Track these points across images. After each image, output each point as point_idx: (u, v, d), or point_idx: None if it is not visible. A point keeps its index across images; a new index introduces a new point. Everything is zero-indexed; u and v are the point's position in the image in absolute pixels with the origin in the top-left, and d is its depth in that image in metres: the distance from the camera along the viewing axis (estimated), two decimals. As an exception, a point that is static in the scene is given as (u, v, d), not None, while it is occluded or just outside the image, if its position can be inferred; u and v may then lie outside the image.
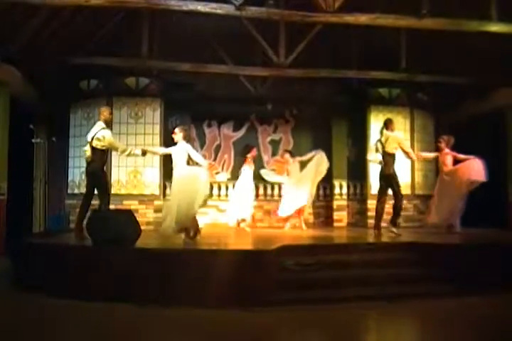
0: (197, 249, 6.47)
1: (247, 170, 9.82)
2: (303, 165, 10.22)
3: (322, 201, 11.54)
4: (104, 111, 7.27)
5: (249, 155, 9.94)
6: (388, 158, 7.81)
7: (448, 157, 8.51)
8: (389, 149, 7.79)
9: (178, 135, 7.39)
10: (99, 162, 7.03)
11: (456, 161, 8.57)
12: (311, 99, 11.03)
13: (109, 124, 7.32)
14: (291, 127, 11.89)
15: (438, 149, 8.74)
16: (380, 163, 7.92)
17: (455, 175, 8.32)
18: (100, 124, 7.11)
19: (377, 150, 7.98)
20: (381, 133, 7.99)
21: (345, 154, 11.46)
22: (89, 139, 7.01)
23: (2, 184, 8.60)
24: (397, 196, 7.85)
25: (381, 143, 7.87)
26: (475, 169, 8.10)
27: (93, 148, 6.96)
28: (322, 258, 6.18)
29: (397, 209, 7.89)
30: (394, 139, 7.83)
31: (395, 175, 7.89)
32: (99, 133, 6.96)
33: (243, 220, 9.74)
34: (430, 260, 6.24)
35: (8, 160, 8.76)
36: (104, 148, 7.02)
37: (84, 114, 10.13)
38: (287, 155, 10.36)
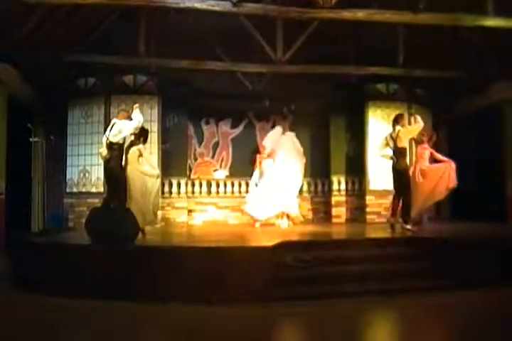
0: (196, 247, 6.47)
1: (270, 166, 9.78)
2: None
3: (320, 197, 11.56)
4: (118, 113, 7.41)
5: (263, 155, 9.91)
6: (399, 153, 7.77)
7: (426, 151, 8.47)
8: (400, 144, 7.76)
9: None
10: (117, 160, 7.07)
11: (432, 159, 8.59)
12: (309, 95, 11.01)
13: None
14: (289, 123, 11.89)
15: (419, 141, 8.68)
16: (391, 158, 7.90)
17: (433, 176, 8.32)
18: (113, 121, 7.18)
19: (387, 145, 7.96)
20: (393, 127, 7.96)
21: (343, 150, 11.45)
22: (105, 138, 7.07)
23: (0, 183, 8.60)
24: (405, 193, 7.79)
25: (392, 138, 7.86)
26: (452, 176, 8.16)
27: (110, 146, 7.00)
28: (321, 254, 6.19)
29: (405, 206, 7.78)
30: (404, 133, 7.80)
31: (407, 170, 7.88)
32: (114, 129, 7.02)
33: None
34: (429, 255, 6.25)
35: (6, 159, 8.75)
36: (122, 141, 7.06)
37: (82, 112, 10.11)
38: None
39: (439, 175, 8.24)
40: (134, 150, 7.32)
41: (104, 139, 7.15)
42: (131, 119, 7.17)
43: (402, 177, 7.80)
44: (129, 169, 7.23)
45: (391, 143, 7.87)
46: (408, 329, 4.64)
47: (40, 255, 6.18)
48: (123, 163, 7.22)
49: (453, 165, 8.22)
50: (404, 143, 7.80)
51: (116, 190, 7.13)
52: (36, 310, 5.16)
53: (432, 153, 8.48)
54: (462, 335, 4.31)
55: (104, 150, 7.07)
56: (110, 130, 7.08)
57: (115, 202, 7.05)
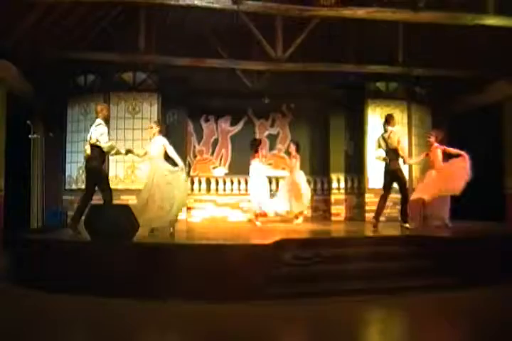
0: (195, 244, 6.48)
1: (258, 164, 9.74)
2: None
3: (320, 195, 11.57)
4: (103, 110, 7.23)
5: (260, 150, 9.85)
6: (392, 154, 7.73)
7: (438, 150, 8.41)
8: (393, 145, 7.70)
9: (154, 129, 7.44)
10: (98, 159, 7.01)
11: (444, 155, 8.50)
12: (308, 93, 11.02)
13: (107, 121, 7.29)
14: (288, 121, 11.91)
15: (428, 144, 8.63)
16: (385, 159, 7.85)
17: (447, 172, 8.25)
18: (98, 122, 7.07)
19: (379, 146, 7.93)
20: (384, 128, 7.94)
21: (342, 148, 11.46)
22: (88, 137, 7.03)
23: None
24: (403, 192, 7.77)
25: (384, 138, 7.84)
26: (467, 168, 8.06)
27: (92, 146, 6.96)
28: (320, 251, 6.19)
29: (403, 205, 7.79)
30: (395, 134, 7.79)
31: (401, 170, 7.82)
32: (94, 132, 6.96)
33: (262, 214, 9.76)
34: (429, 253, 6.26)
35: (5, 156, 8.74)
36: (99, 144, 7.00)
37: (81, 109, 10.11)
38: (294, 148, 10.20)
39: (452, 170, 8.20)
40: (154, 148, 7.30)
41: (87, 137, 7.07)
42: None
43: (395, 178, 7.77)
44: (152, 168, 7.21)
45: (383, 145, 7.84)
46: (408, 328, 4.65)
47: (39, 252, 6.18)
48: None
49: (467, 157, 8.08)
50: (396, 143, 7.75)
51: (101, 187, 7.07)
52: (36, 307, 5.17)
53: (444, 150, 8.35)
54: (463, 334, 4.32)
55: (88, 148, 7.04)
56: (91, 132, 6.99)
57: (88, 199, 7.01)
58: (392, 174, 7.78)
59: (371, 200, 10.45)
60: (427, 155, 8.50)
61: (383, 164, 7.93)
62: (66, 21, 8.42)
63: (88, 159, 7.05)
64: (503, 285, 5.68)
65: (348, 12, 7.10)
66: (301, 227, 9.19)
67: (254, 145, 9.61)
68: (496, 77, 9.83)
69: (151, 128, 7.50)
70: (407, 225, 7.65)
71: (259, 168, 9.49)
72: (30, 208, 10.51)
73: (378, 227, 7.71)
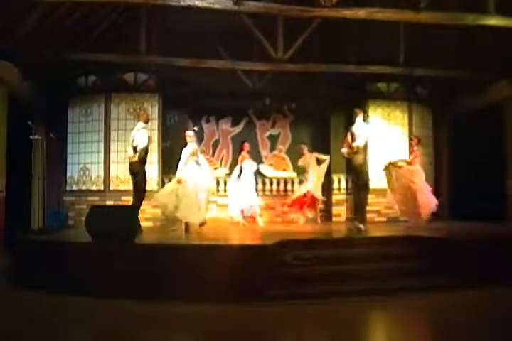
0: (196, 245, 6.48)
1: (247, 165, 9.76)
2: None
3: (321, 196, 11.55)
4: (143, 115, 7.87)
5: (243, 153, 9.87)
6: (358, 149, 7.72)
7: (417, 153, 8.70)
8: (358, 140, 7.73)
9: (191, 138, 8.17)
10: (142, 161, 7.44)
11: None
12: (309, 93, 11.01)
13: (147, 123, 7.85)
14: (289, 122, 11.90)
15: (411, 146, 8.91)
16: (349, 153, 7.84)
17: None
18: (140, 125, 7.59)
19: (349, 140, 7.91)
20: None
21: (343, 148, 11.44)
22: (130, 140, 7.55)
23: (1, 181, 8.59)
24: (363, 188, 7.75)
25: (351, 133, 7.86)
26: None
27: (135, 148, 7.39)
28: (321, 252, 6.19)
29: (361, 202, 7.76)
30: (361, 129, 7.84)
31: (363, 167, 7.83)
32: (140, 135, 7.45)
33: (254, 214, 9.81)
34: (428, 254, 6.25)
35: (6, 157, 8.75)
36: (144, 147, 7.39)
37: (82, 110, 10.12)
38: (305, 150, 10.21)
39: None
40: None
41: (131, 139, 7.57)
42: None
43: (356, 174, 7.80)
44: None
45: (350, 139, 7.84)
46: (406, 329, 4.64)
47: (40, 253, 6.17)
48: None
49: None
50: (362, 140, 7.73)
51: (135, 188, 7.54)
52: (36, 308, 5.16)
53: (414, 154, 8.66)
54: (461, 335, 4.31)
55: (130, 151, 7.50)
56: (134, 134, 7.52)
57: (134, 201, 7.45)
58: (354, 170, 7.79)
59: (372, 201, 10.40)
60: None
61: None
62: (67, 22, 8.43)
63: (130, 161, 7.49)
64: (502, 286, 5.66)
65: (349, 12, 7.08)
66: (302, 228, 9.19)
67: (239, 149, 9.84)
68: (497, 78, 9.83)
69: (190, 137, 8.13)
70: (361, 226, 7.62)
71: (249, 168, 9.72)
72: (31, 209, 10.50)
73: (376, 228, 7.73)
